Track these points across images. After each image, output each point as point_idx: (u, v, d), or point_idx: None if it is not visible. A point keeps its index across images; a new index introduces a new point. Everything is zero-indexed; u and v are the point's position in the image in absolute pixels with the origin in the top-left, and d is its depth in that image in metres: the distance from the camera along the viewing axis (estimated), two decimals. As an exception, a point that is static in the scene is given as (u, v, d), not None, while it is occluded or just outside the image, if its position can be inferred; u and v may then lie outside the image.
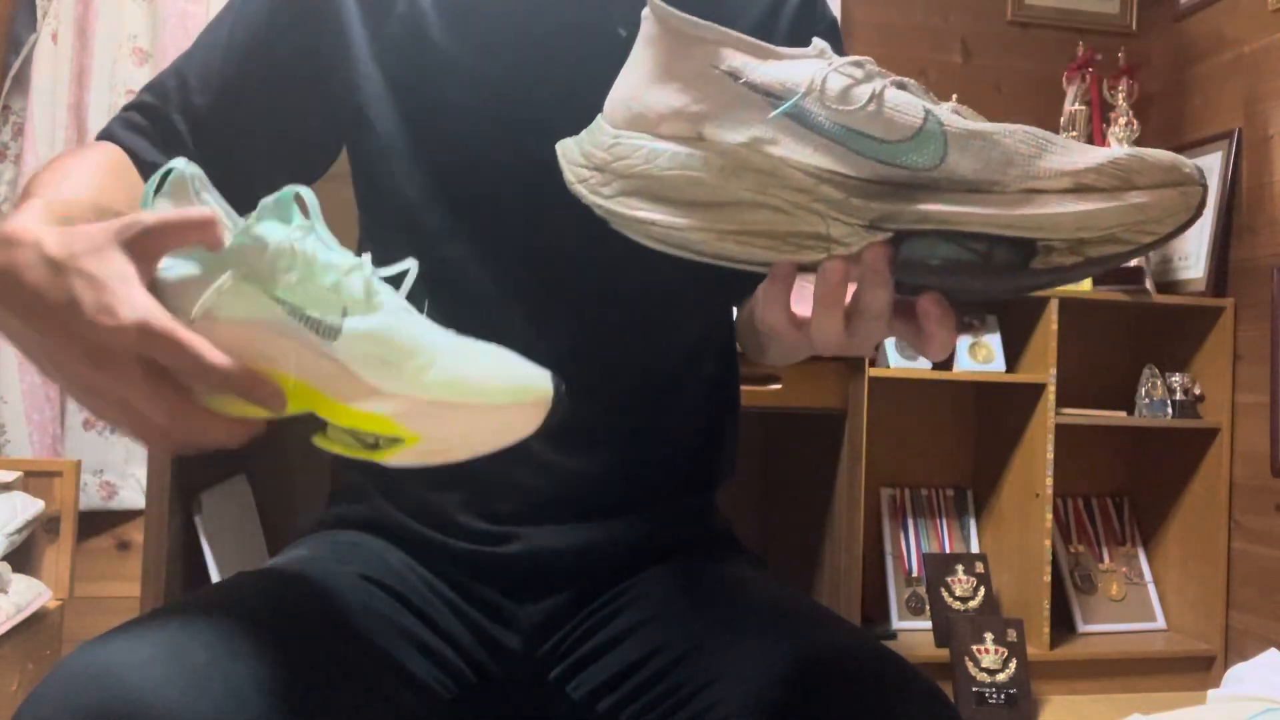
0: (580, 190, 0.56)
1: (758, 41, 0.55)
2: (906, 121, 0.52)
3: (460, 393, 0.52)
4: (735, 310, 0.95)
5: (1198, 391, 2.42)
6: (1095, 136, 2.48)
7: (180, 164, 0.55)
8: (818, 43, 0.56)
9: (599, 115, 0.58)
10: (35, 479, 1.92)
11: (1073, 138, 2.49)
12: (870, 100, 0.52)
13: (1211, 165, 2.43)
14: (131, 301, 0.49)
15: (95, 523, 2.19)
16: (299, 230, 0.53)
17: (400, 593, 0.75)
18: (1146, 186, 0.50)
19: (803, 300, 0.58)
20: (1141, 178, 0.50)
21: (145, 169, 0.77)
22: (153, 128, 0.80)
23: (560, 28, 0.80)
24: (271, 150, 0.83)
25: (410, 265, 0.56)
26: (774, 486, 2.23)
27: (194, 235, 0.52)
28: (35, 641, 1.79)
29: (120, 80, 2.20)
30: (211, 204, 0.56)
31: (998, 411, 2.43)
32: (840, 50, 0.92)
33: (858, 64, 0.53)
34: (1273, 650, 1.58)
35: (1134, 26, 2.68)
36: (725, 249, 0.54)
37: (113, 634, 0.58)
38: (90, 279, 0.50)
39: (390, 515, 0.82)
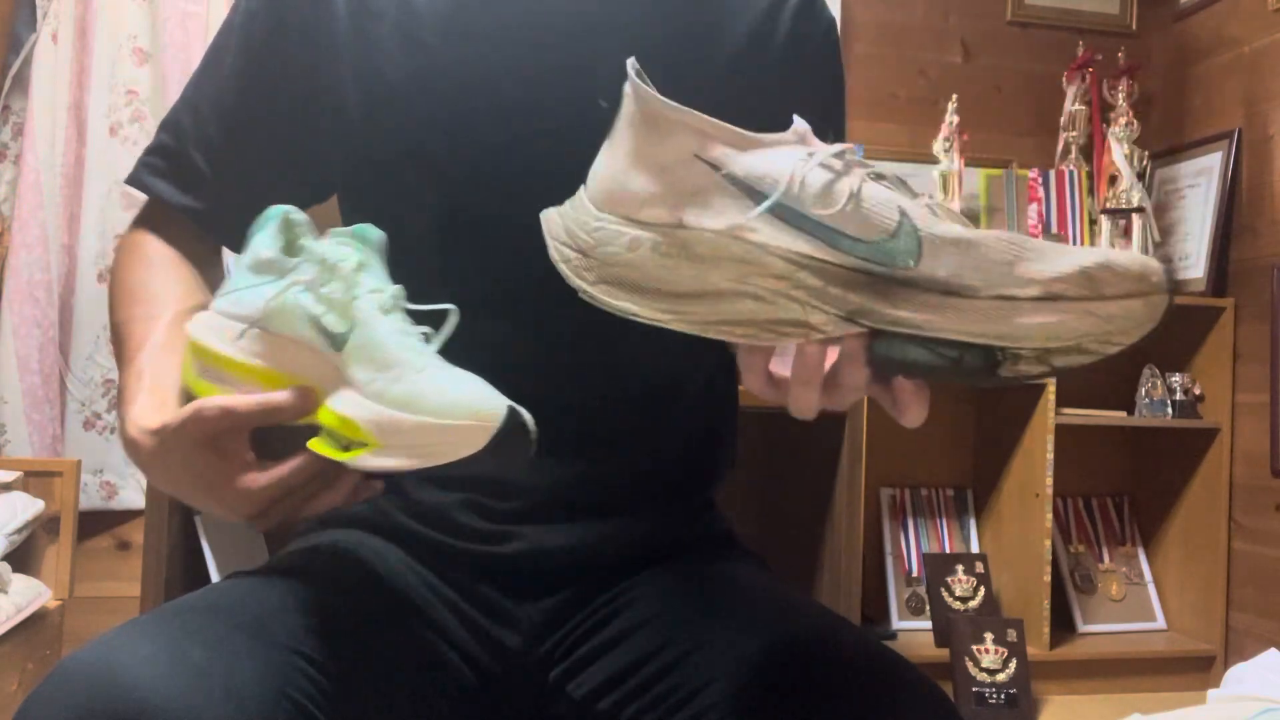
0: (564, 270, 0.57)
1: (738, 130, 0.55)
2: (880, 222, 0.52)
3: (416, 407, 0.58)
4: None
5: (1198, 391, 2.42)
6: (1095, 136, 2.48)
7: (285, 209, 0.66)
8: (798, 125, 0.56)
9: (581, 189, 0.58)
10: (35, 479, 1.92)
11: (1073, 138, 2.50)
12: (848, 200, 0.52)
13: (1211, 165, 2.43)
14: (234, 499, 0.62)
15: (95, 523, 2.19)
16: (354, 254, 0.63)
17: (400, 592, 0.75)
18: (1114, 297, 0.50)
19: (780, 360, 0.59)
20: (1110, 288, 0.50)
21: (172, 212, 0.82)
22: (172, 168, 0.83)
23: (549, 65, 0.80)
24: (288, 173, 0.83)
25: (451, 309, 0.64)
26: (774, 486, 2.23)
27: (273, 416, 0.61)
28: (35, 641, 1.79)
29: (120, 80, 2.20)
30: (308, 244, 0.64)
31: (998, 411, 2.43)
32: (839, 58, 0.92)
33: (838, 155, 0.54)
34: (1273, 650, 1.58)
35: (1134, 26, 2.68)
36: (707, 337, 0.56)
37: (113, 634, 0.58)
38: (198, 480, 0.62)
39: (390, 515, 0.82)
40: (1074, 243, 2.45)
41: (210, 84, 0.84)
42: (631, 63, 0.56)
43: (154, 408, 0.64)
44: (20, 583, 1.76)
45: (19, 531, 1.78)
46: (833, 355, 0.56)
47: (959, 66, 2.60)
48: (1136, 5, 2.68)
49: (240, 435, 0.62)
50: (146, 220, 0.84)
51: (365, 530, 0.83)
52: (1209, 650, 2.35)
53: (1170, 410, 2.39)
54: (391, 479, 0.82)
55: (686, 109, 0.55)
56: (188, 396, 0.64)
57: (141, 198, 0.85)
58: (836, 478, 1.86)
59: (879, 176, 0.54)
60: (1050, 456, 2.24)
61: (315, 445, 0.61)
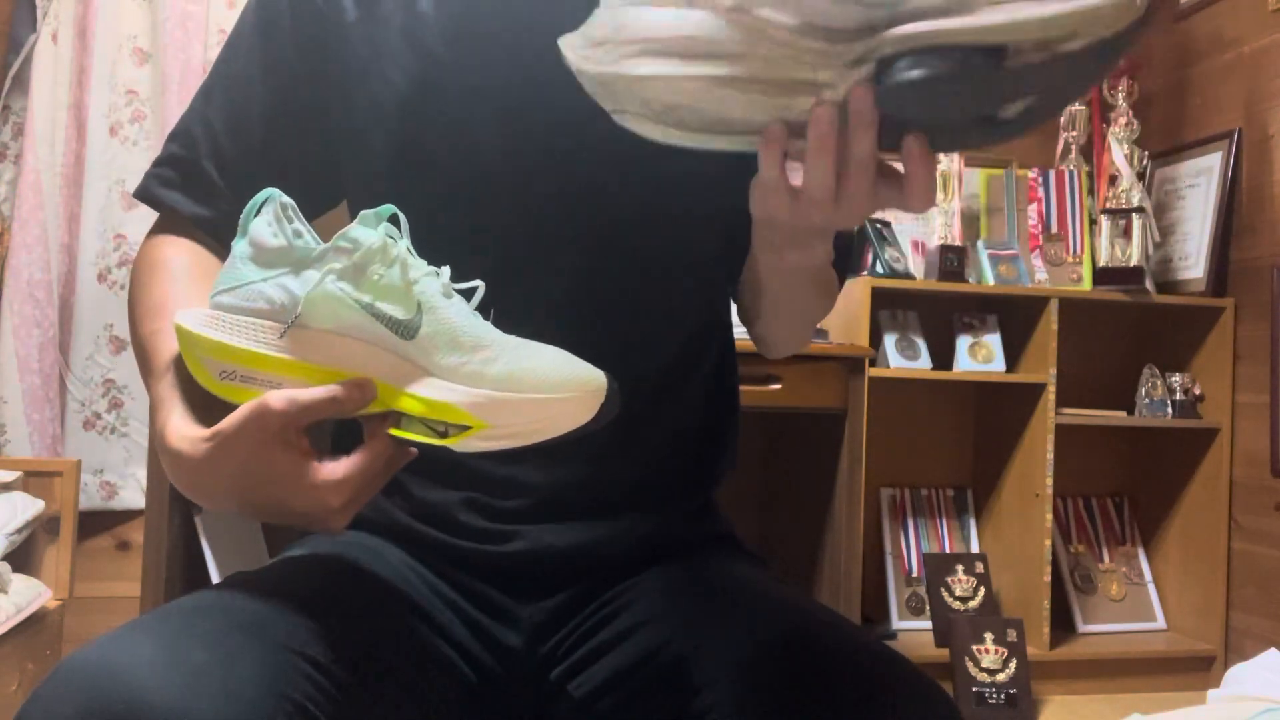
0: (585, 68, 0.59)
1: None
2: None
3: (522, 385, 0.59)
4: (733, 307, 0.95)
5: (1198, 391, 2.42)
6: (1095, 136, 2.49)
7: (275, 193, 0.63)
8: None
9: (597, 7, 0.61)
10: (35, 479, 1.92)
11: (1073, 138, 2.50)
12: None
13: (1211, 165, 2.43)
14: (316, 492, 0.60)
15: (95, 523, 2.19)
16: (390, 237, 0.61)
17: (400, 592, 0.75)
18: None
19: (796, 171, 0.60)
20: None
21: (187, 223, 0.82)
22: (186, 180, 0.82)
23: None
24: (301, 180, 0.83)
25: (479, 285, 0.64)
26: (774, 486, 2.23)
27: (333, 409, 0.59)
28: (35, 641, 1.79)
29: (120, 80, 2.20)
30: (303, 230, 0.63)
31: (998, 411, 2.44)
32: None
33: None
34: (1273, 650, 1.58)
35: (1134, 26, 2.67)
36: (721, 100, 0.57)
37: (113, 634, 0.58)
38: (268, 482, 0.60)
39: (391, 514, 0.82)
40: (1074, 243, 2.45)
41: (221, 94, 0.83)
42: None
43: (195, 418, 0.62)
44: (20, 583, 1.76)
45: (19, 531, 1.78)
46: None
47: (959, 66, 2.60)
48: (1136, 5, 2.68)
49: (301, 432, 0.60)
50: (162, 232, 0.83)
51: (367, 530, 0.83)
52: (1209, 650, 2.35)
53: (1170, 410, 2.39)
54: (392, 479, 0.82)
55: None
56: (215, 401, 0.62)
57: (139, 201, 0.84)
58: (836, 478, 1.86)
59: None
60: (1050, 456, 2.24)
61: (401, 433, 0.60)
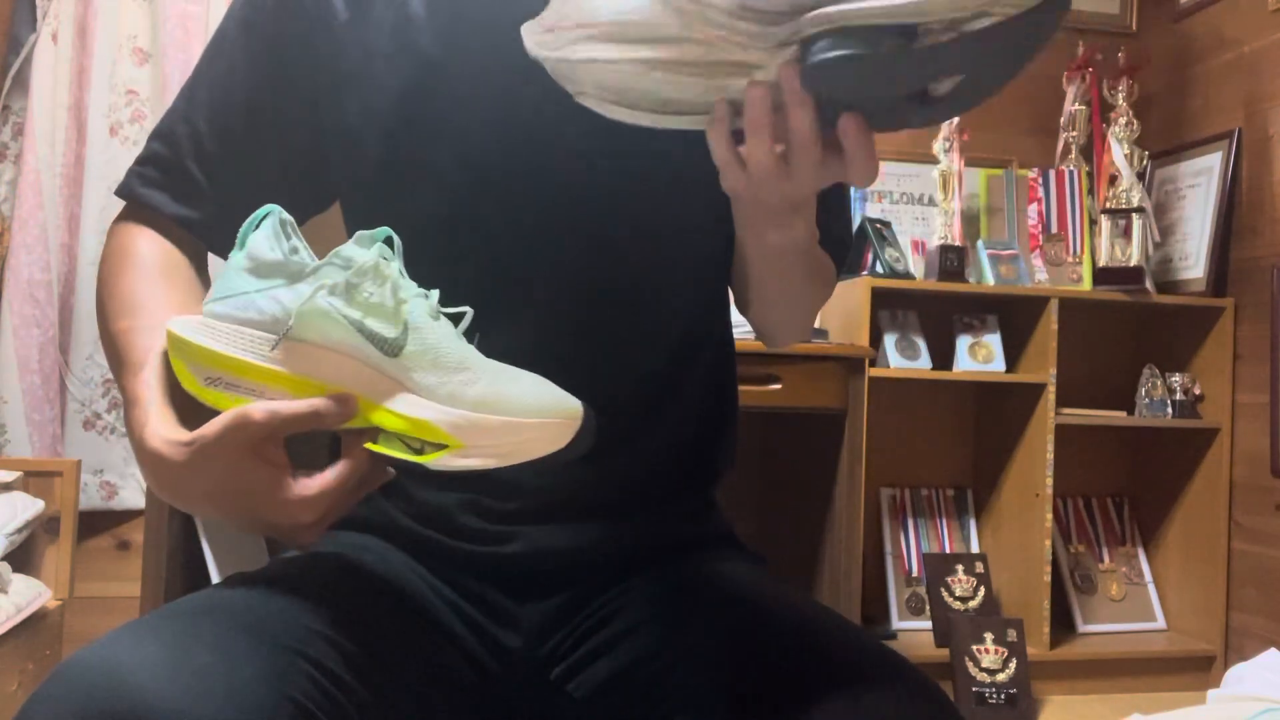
0: (539, 53, 0.63)
1: None
2: None
3: (498, 408, 0.60)
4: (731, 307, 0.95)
5: (1198, 391, 2.42)
6: (1095, 136, 2.49)
7: (275, 209, 0.64)
8: None
9: None
10: (35, 479, 1.92)
11: (1073, 138, 2.50)
12: None
13: (1211, 165, 2.43)
14: (288, 507, 0.60)
15: (95, 523, 2.19)
16: (384, 257, 0.63)
17: (401, 593, 0.75)
18: None
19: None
20: None
21: (167, 222, 0.80)
22: (168, 179, 0.81)
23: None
24: (288, 181, 0.82)
25: (468, 311, 0.66)
26: (774, 486, 2.24)
27: (314, 422, 0.60)
28: (35, 641, 1.79)
29: (120, 80, 2.20)
30: (300, 247, 0.64)
31: (998, 411, 2.44)
32: None
33: None
34: (1273, 650, 1.58)
35: (1134, 26, 2.68)
36: (661, 82, 0.60)
37: (115, 634, 0.58)
38: (243, 492, 0.60)
39: (391, 516, 0.82)
40: (1074, 242, 2.45)
41: (205, 93, 0.82)
42: None
43: (176, 419, 0.62)
44: (20, 583, 1.76)
45: (19, 531, 1.78)
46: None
47: (959, 66, 2.60)
48: (1136, 5, 2.68)
49: (279, 444, 0.61)
50: (130, 220, 0.81)
51: (367, 531, 0.83)
52: (1209, 650, 2.35)
53: (1170, 410, 2.39)
54: (391, 480, 0.83)
55: None
56: (197, 406, 0.63)
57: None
58: (836, 478, 1.86)
59: None
60: (1050, 456, 2.24)
61: (378, 448, 0.61)
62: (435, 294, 0.65)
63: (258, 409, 0.58)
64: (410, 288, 0.64)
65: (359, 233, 0.65)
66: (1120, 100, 2.43)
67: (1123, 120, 2.40)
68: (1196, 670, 2.35)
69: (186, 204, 0.80)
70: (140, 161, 0.82)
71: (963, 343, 2.36)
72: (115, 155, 2.19)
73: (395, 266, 0.64)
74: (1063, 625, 2.41)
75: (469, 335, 0.65)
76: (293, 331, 0.61)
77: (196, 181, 0.81)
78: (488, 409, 0.60)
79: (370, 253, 0.63)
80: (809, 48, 0.57)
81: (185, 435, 0.60)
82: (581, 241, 0.80)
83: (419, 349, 0.61)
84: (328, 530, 0.84)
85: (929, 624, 2.28)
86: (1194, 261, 2.43)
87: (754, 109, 0.59)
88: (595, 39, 0.60)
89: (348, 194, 0.85)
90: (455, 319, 0.66)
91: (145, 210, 0.81)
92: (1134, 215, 2.36)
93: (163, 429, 0.61)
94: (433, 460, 0.60)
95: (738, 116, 0.61)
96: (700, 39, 0.58)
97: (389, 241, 0.65)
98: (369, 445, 0.61)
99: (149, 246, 0.79)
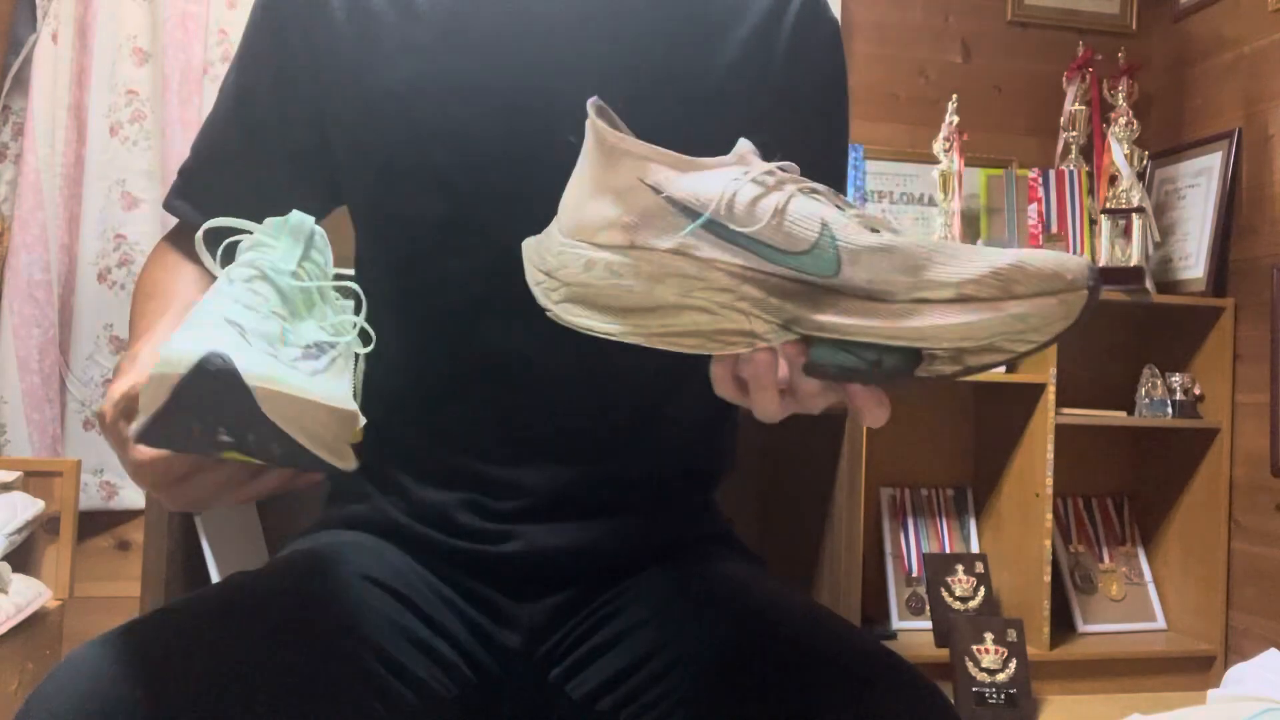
0: (536, 292, 0.62)
1: (681, 156, 0.58)
2: (802, 235, 0.55)
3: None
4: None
5: (1198, 391, 2.42)
6: (1095, 136, 2.48)
7: (304, 217, 0.69)
8: (741, 146, 0.59)
9: (554, 220, 0.62)
10: (35, 479, 1.92)
11: (1073, 138, 2.50)
12: (773, 215, 0.56)
13: (1211, 165, 2.43)
14: (129, 455, 0.65)
15: (95, 523, 2.19)
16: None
17: (400, 592, 0.75)
18: (1026, 295, 0.52)
19: (747, 366, 0.61)
20: (1021, 287, 0.52)
21: (190, 232, 0.84)
22: (191, 188, 0.88)
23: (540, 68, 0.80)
24: (298, 181, 0.86)
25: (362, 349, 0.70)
26: (774, 486, 2.23)
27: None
28: (35, 641, 1.79)
29: (120, 80, 2.20)
30: (320, 259, 0.69)
31: (998, 411, 2.43)
32: (842, 61, 0.91)
33: (771, 172, 0.57)
34: (1273, 650, 1.58)
35: (1134, 26, 2.68)
36: (660, 348, 0.59)
37: (114, 633, 0.58)
38: (115, 441, 0.65)
39: (390, 515, 0.82)
40: (1074, 242, 2.45)
41: (220, 100, 0.87)
42: (593, 102, 0.60)
43: (126, 386, 0.65)
44: (20, 583, 1.76)
45: (19, 531, 1.78)
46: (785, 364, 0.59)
47: (959, 66, 2.60)
48: (1136, 5, 2.68)
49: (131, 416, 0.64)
50: (175, 231, 0.89)
51: (365, 530, 0.83)
52: (1209, 650, 2.35)
53: (1170, 410, 2.39)
54: (391, 479, 0.83)
55: (632, 139, 0.59)
56: None
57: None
58: (836, 478, 1.86)
59: (812, 191, 0.57)
60: (1050, 456, 2.24)
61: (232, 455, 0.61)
62: (268, 261, 0.67)
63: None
64: (249, 255, 0.67)
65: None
66: (1120, 100, 2.43)
67: (1123, 120, 2.40)
68: (1196, 670, 2.35)
69: (206, 210, 0.84)
70: (178, 173, 0.90)
71: (963, 343, 2.36)
72: (115, 155, 2.19)
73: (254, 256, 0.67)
74: (1063, 625, 2.41)
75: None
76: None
77: (212, 186, 0.86)
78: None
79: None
80: (814, 344, 0.56)
81: (115, 397, 0.65)
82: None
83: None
84: (326, 530, 0.84)
85: (929, 624, 2.28)
86: (1194, 261, 2.43)
87: (756, 372, 0.58)
88: (592, 307, 0.59)
89: (351, 193, 0.85)
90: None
91: (180, 222, 0.89)
92: (1134, 215, 2.36)
93: (114, 390, 0.66)
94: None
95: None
96: (701, 305, 0.57)
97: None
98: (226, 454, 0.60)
99: (177, 251, 0.86)
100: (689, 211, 0.57)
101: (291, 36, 0.82)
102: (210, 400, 0.54)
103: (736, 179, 0.57)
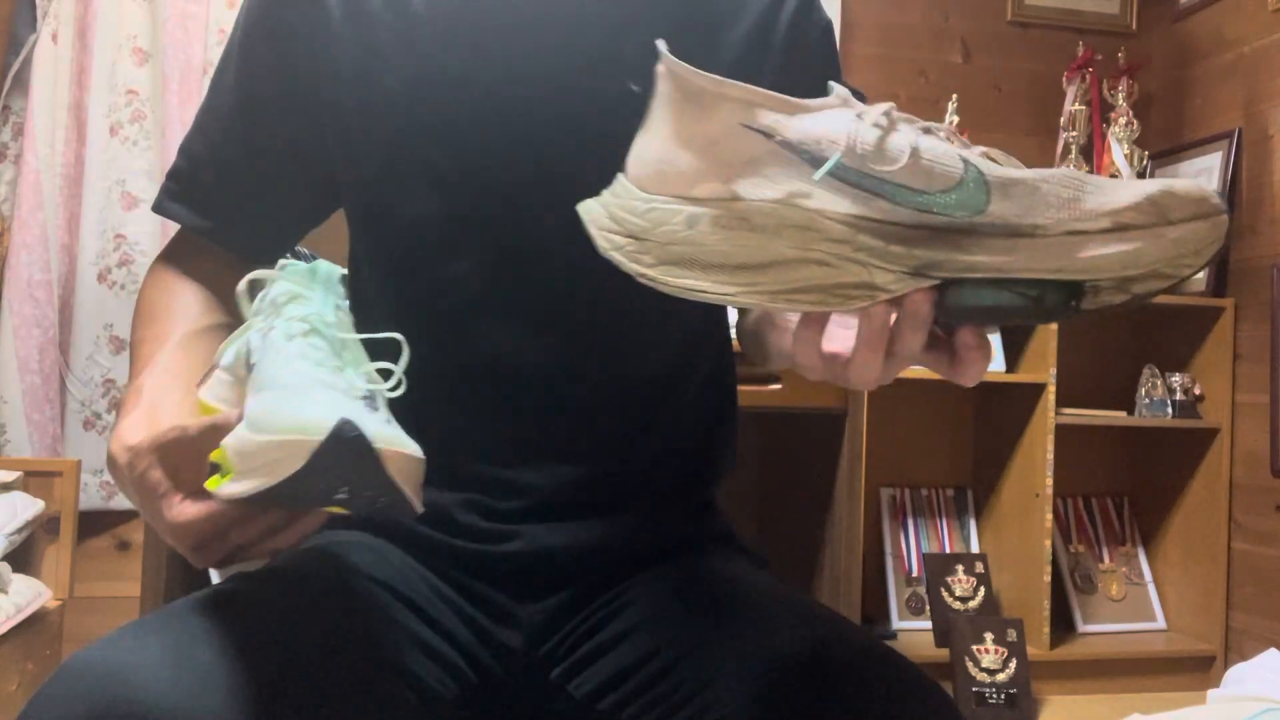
0: (616, 258, 0.55)
1: (782, 96, 0.54)
2: (947, 172, 0.53)
3: (257, 426, 0.55)
4: (734, 312, 0.95)
5: (1198, 391, 2.42)
6: (1095, 136, 2.49)
7: (332, 266, 0.67)
8: (838, 90, 0.56)
9: (621, 175, 0.57)
10: (35, 479, 1.92)
11: (1073, 138, 2.50)
12: (910, 155, 0.52)
13: (1211, 165, 2.43)
14: (169, 513, 0.60)
15: (95, 523, 2.19)
16: (292, 289, 0.66)
17: (401, 592, 0.75)
18: (1180, 220, 0.51)
19: (830, 338, 0.58)
20: (1176, 213, 0.52)
21: (187, 233, 0.85)
22: (186, 191, 0.85)
23: (555, 45, 0.80)
24: (297, 183, 0.85)
25: (403, 342, 0.66)
26: (774, 486, 2.23)
27: (215, 436, 0.58)
28: (35, 641, 1.79)
29: (120, 80, 2.20)
30: (340, 303, 0.68)
31: (998, 411, 2.44)
32: (836, 60, 0.92)
33: (886, 113, 0.54)
34: (1273, 650, 1.58)
35: (1134, 26, 2.68)
36: (775, 308, 0.55)
37: (117, 634, 0.58)
38: (145, 503, 0.61)
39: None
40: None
41: (214, 101, 0.86)
42: (661, 43, 0.55)
43: (142, 426, 0.62)
44: (20, 583, 1.76)
45: (19, 531, 1.78)
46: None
47: (959, 66, 2.60)
48: (1136, 5, 2.68)
49: (197, 465, 0.59)
50: (172, 245, 0.86)
51: (366, 530, 0.83)
52: (1209, 650, 2.35)
53: (1170, 410, 2.39)
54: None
55: (727, 80, 0.54)
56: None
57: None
58: (836, 478, 1.86)
59: (928, 130, 0.54)
60: (1050, 456, 2.24)
61: (210, 482, 0.58)
62: (316, 314, 0.65)
63: (172, 425, 0.61)
64: (292, 312, 0.64)
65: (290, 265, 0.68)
66: (1120, 100, 2.43)
67: (1123, 120, 2.40)
68: (1196, 670, 2.35)
69: (203, 214, 0.84)
70: (167, 176, 0.87)
71: (963, 343, 2.36)
72: (115, 155, 2.19)
73: (286, 294, 0.65)
74: (1063, 625, 2.41)
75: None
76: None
77: (209, 188, 0.84)
78: (251, 426, 0.55)
79: (276, 286, 0.66)
80: (955, 286, 0.53)
81: (133, 441, 0.61)
82: (583, 241, 0.80)
83: (256, 372, 0.60)
84: (327, 530, 0.84)
85: (929, 624, 2.28)
86: (1194, 261, 2.43)
87: (873, 329, 0.55)
88: (700, 267, 0.54)
89: (349, 193, 0.85)
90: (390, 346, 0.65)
91: (175, 226, 0.86)
92: (1134, 215, 2.36)
93: (125, 432, 0.62)
94: (217, 488, 0.56)
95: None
96: (818, 258, 0.53)
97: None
98: (207, 484, 0.58)
99: (178, 268, 0.83)
100: (808, 156, 0.53)
101: (291, 39, 0.82)
102: (336, 464, 0.54)
103: (856, 119, 0.53)
